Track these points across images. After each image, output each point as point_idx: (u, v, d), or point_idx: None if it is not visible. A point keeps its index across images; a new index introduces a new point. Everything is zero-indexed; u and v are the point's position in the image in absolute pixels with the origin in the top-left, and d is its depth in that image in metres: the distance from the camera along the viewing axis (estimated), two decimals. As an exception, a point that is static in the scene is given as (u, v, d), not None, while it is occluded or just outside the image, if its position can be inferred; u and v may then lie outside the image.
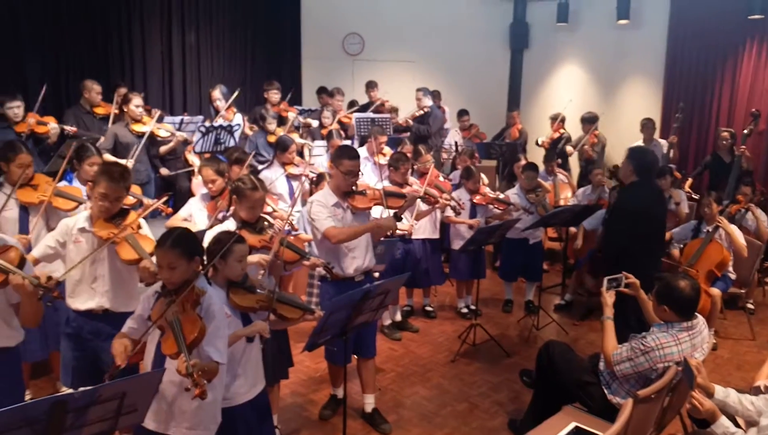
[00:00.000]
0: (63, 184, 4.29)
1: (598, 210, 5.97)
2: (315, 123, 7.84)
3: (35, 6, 7.26)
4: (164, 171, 6.61)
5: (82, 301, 3.35)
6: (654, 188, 4.92)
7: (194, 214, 4.49)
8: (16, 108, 5.65)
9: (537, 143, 8.59)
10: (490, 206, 5.88)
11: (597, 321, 5.96)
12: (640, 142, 7.74)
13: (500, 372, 5.01)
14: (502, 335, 5.68)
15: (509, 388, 4.75)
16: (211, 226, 3.99)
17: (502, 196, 6.01)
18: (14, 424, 1.93)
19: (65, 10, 7.57)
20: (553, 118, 8.58)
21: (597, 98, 9.79)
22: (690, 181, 7.60)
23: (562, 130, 8.51)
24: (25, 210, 3.98)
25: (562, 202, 7.05)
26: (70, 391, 3.48)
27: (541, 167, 6.88)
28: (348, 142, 7.26)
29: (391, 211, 4.19)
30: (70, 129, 5.92)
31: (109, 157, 5.69)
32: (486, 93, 10.53)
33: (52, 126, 5.81)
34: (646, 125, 7.91)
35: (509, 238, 5.86)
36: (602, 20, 9.60)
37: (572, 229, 6.43)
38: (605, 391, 3.52)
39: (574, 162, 8.79)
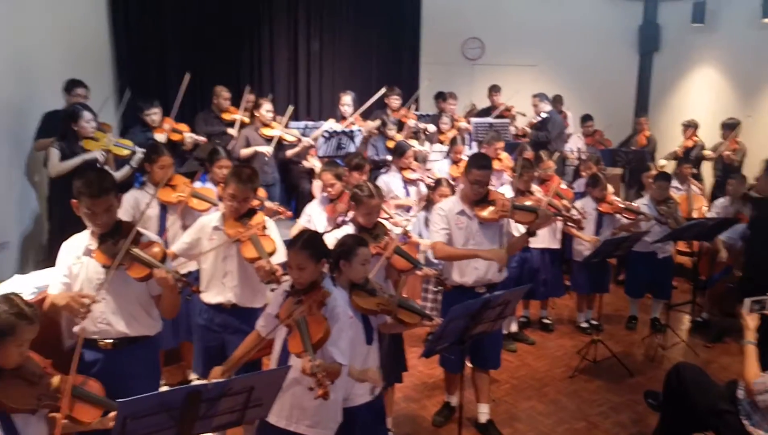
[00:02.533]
0: (198, 184, 4.56)
1: (736, 224, 5.53)
2: (432, 128, 7.82)
3: (178, 19, 7.84)
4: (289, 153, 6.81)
5: (213, 295, 3.53)
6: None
7: (313, 217, 4.63)
8: (153, 114, 6.04)
9: (661, 166, 8.02)
10: (618, 216, 5.59)
11: (731, 343, 5.61)
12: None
13: (623, 392, 4.76)
14: (626, 353, 5.40)
15: (632, 410, 4.50)
16: (329, 230, 4.09)
17: (633, 205, 5.69)
18: (154, 409, 2.06)
19: (204, 21, 8.10)
20: (687, 125, 8.05)
21: (736, 104, 9.05)
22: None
23: (695, 138, 7.97)
24: (164, 208, 4.26)
25: (695, 215, 6.60)
26: (198, 380, 3.70)
27: (673, 176, 6.47)
28: (466, 148, 7.20)
29: (521, 226, 4.08)
30: (201, 139, 6.26)
31: (265, 149, 6.06)
32: (612, 98, 10.07)
33: (186, 135, 6.16)
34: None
35: (636, 251, 5.54)
36: (744, 19, 8.89)
37: (705, 244, 5.99)
38: (745, 422, 3.24)
39: (707, 172, 8.21)
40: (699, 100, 9.54)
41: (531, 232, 3.95)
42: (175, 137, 6.11)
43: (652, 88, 10.32)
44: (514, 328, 5.65)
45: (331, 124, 6.79)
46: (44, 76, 5.69)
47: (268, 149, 6.26)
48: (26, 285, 3.46)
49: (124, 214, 3.91)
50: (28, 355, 2.35)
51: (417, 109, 8.51)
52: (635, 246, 5.32)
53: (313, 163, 6.75)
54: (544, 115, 7.93)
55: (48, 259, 5.07)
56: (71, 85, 5.60)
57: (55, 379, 2.37)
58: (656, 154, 8.65)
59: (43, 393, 2.33)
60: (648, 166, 6.92)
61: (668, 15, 9.99)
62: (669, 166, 7.78)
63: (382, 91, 7.68)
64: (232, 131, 6.51)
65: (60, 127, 5.20)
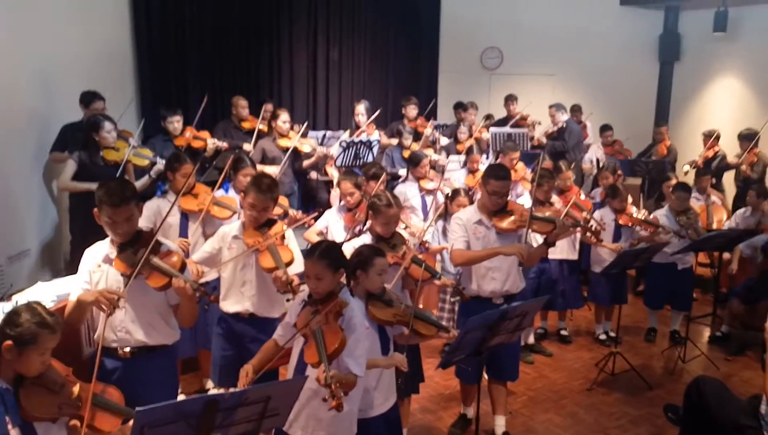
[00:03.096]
0: (220, 193, 4.59)
1: (757, 235, 5.45)
2: (444, 141, 7.80)
3: (198, 30, 7.95)
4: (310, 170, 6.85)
5: (231, 303, 3.57)
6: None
7: (331, 226, 4.63)
8: (176, 122, 6.11)
9: (684, 171, 7.97)
10: (637, 228, 5.54)
11: (753, 357, 5.52)
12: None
13: (641, 405, 4.70)
14: (644, 366, 5.33)
15: (651, 423, 4.44)
16: (348, 240, 4.10)
17: (651, 217, 5.64)
18: (171, 418, 2.08)
19: (224, 33, 8.21)
20: (707, 135, 7.96)
21: (758, 114, 8.90)
22: None
23: (716, 148, 7.89)
24: (185, 217, 4.31)
25: (715, 226, 6.52)
26: (215, 389, 3.73)
27: (692, 185, 6.40)
28: (483, 157, 7.18)
29: (538, 236, 4.06)
30: (222, 144, 6.32)
31: (268, 169, 6.03)
32: (631, 107, 9.98)
33: (209, 141, 6.22)
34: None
35: (655, 263, 5.49)
36: (767, 28, 8.80)
37: (725, 255, 5.91)
38: (767, 438, 3.18)
39: (729, 182, 8.11)
40: (721, 110, 9.42)
41: (549, 243, 3.92)
42: (197, 144, 6.17)
43: (673, 97, 10.21)
44: (531, 339, 5.61)
45: (345, 136, 6.83)
46: (67, 87, 5.79)
47: (274, 170, 6.10)
48: (48, 293, 3.51)
49: (145, 222, 3.97)
50: (50, 363, 2.39)
51: (435, 119, 8.52)
52: (655, 257, 5.26)
53: (332, 172, 6.79)
54: (560, 124, 7.89)
55: (69, 268, 5.16)
56: (89, 98, 5.65)
57: (76, 388, 2.40)
58: (677, 165, 8.56)
59: (64, 401, 2.36)
60: (668, 177, 6.84)
61: (689, 24, 9.90)
62: (691, 174, 7.71)
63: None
64: (248, 146, 6.54)
65: (81, 137, 5.29)
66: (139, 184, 5.29)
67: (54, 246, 5.92)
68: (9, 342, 2.24)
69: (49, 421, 2.36)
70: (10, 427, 2.22)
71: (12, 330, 2.26)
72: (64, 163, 5.19)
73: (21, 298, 3.41)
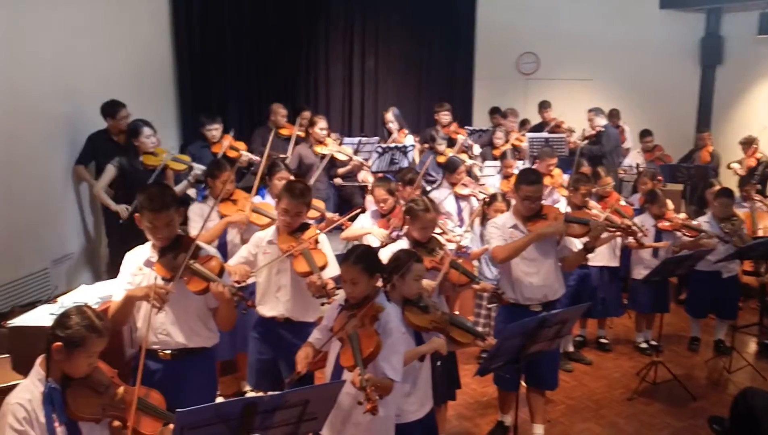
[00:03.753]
0: (257, 199, 4.64)
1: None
2: (477, 149, 7.73)
3: (236, 38, 8.09)
4: (338, 181, 6.90)
5: (267, 308, 3.58)
6: None
7: (365, 229, 4.65)
8: (214, 130, 6.20)
9: (729, 166, 7.79)
10: (678, 233, 5.41)
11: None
12: None
13: (684, 416, 4.57)
14: (688, 376, 5.19)
15: (695, 435, 4.33)
16: (384, 245, 4.09)
17: (694, 222, 5.50)
18: (211, 420, 2.10)
19: (260, 41, 8.35)
20: (745, 143, 7.74)
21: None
22: None
23: (758, 155, 7.67)
24: (225, 223, 4.37)
25: (761, 233, 6.33)
26: (252, 392, 3.75)
27: (736, 193, 6.22)
28: (520, 164, 7.12)
29: (578, 242, 3.99)
30: (255, 158, 6.36)
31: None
32: (672, 112, 9.78)
33: (243, 153, 6.28)
34: None
35: (699, 270, 5.33)
36: (816, 30, 8.57)
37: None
38: (819, 453, 3.06)
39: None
40: (765, 115, 9.16)
41: (589, 249, 3.86)
42: (232, 154, 6.24)
43: (715, 102, 9.99)
44: (570, 347, 5.51)
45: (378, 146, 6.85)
46: (104, 93, 5.90)
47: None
48: (90, 295, 3.59)
49: (194, 225, 4.06)
50: (97, 365, 2.43)
51: (470, 125, 8.49)
52: (698, 265, 5.13)
53: (367, 178, 6.81)
54: (598, 129, 7.78)
55: (110, 271, 5.26)
56: (113, 109, 5.53)
57: (120, 390, 2.44)
58: (720, 170, 8.35)
59: (108, 403, 2.40)
60: (711, 183, 6.67)
61: (732, 26, 9.68)
62: (734, 181, 7.51)
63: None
64: (283, 156, 6.61)
65: (111, 147, 5.43)
66: (178, 188, 5.39)
67: (95, 250, 6.05)
68: (59, 343, 2.29)
69: (93, 422, 2.40)
70: (56, 424, 2.27)
71: (62, 332, 2.31)
72: (105, 169, 5.28)
73: (65, 300, 3.50)
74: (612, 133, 7.94)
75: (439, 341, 2.98)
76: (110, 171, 5.23)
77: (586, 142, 7.78)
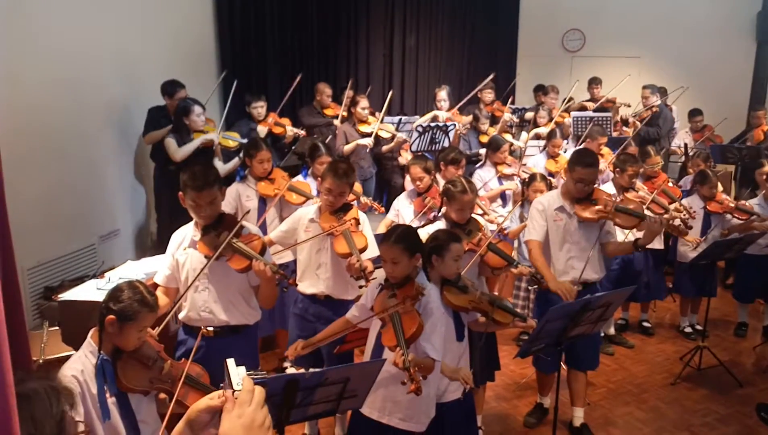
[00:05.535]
0: (297, 178, 4.68)
1: None
2: (523, 135, 7.59)
3: (278, 18, 8.11)
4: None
5: (307, 285, 3.62)
6: None
7: (400, 210, 4.65)
8: (260, 108, 6.28)
9: None
10: (728, 216, 5.24)
11: None
12: None
13: (730, 403, 4.48)
14: (734, 362, 5.07)
15: (741, 423, 4.22)
16: (423, 226, 4.08)
17: (746, 204, 5.32)
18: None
19: (302, 21, 8.34)
20: None
21: None
22: None
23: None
24: (263, 201, 4.43)
25: (816, 216, 6.07)
26: (292, 368, 3.81)
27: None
28: (564, 142, 6.97)
29: (627, 232, 3.89)
30: (301, 132, 6.43)
31: (366, 141, 6.34)
32: (723, 91, 9.40)
33: (288, 129, 6.37)
34: None
35: (747, 254, 5.17)
36: None
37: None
38: None
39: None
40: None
41: (638, 247, 3.77)
42: (277, 130, 6.33)
43: (771, 79, 9.59)
44: (611, 330, 5.44)
45: (421, 121, 6.79)
46: (150, 74, 6.02)
47: (368, 141, 6.43)
48: (136, 271, 3.69)
49: (226, 205, 4.09)
50: (146, 339, 2.51)
51: (513, 103, 8.34)
52: (747, 248, 4.97)
53: (406, 157, 6.78)
54: (654, 109, 7.54)
55: (157, 247, 5.40)
56: (172, 88, 5.74)
57: (167, 364, 2.51)
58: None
59: (156, 376, 2.47)
60: (761, 163, 6.42)
61: (791, 0, 9.24)
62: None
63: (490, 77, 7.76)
64: (336, 122, 6.68)
65: (165, 123, 5.53)
66: (230, 165, 5.48)
67: (141, 227, 6.22)
68: (112, 316, 2.36)
69: (141, 394, 2.48)
70: (108, 395, 2.36)
71: (115, 305, 2.38)
72: (165, 142, 5.35)
73: (113, 276, 3.60)
74: (667, 114, 7.69)
75: (465, 372, 2.88)
76: (172, 142, 5.31)
77: (641, 124, 7.57)
